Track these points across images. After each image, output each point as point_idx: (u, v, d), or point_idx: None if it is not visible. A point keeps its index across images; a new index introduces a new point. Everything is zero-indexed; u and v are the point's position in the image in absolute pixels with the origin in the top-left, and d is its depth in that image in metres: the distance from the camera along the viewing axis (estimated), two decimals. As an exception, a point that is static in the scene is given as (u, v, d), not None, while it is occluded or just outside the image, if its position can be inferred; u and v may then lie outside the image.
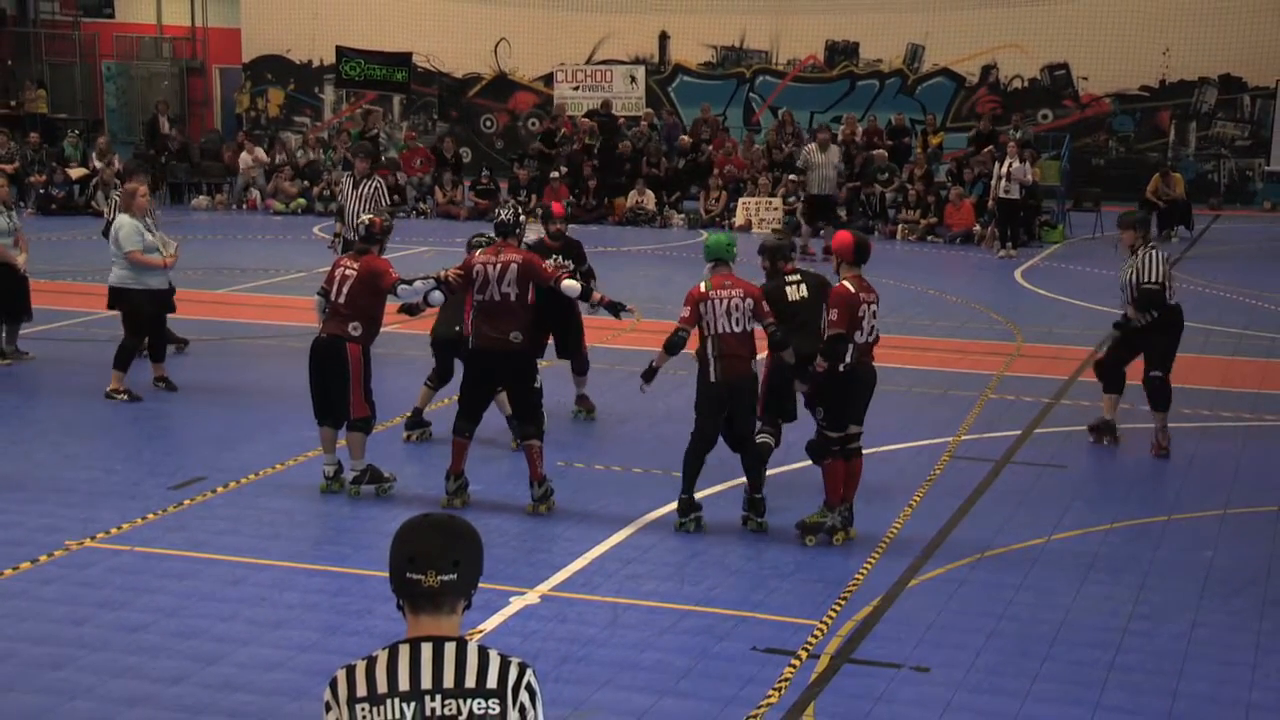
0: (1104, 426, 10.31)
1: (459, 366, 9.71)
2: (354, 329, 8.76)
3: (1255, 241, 23.15)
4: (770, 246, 8.84)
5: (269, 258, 18.98)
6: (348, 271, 8.87)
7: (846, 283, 8.02)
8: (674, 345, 8.14)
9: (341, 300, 8.82)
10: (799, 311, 8.45)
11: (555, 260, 9.73)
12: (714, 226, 23.05)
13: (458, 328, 9.76)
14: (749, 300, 8.04)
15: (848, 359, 8.01)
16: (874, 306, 8.11)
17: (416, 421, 10.27)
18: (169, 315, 11.89)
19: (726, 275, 8.14)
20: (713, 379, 8.07)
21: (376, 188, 13.50)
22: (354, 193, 13.34)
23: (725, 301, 8.02)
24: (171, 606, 7.04)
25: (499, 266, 8.45)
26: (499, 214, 8.84)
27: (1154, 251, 10.18)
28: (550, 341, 10.24)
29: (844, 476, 8.19)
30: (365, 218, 9.14)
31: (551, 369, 10.47)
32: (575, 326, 10.42)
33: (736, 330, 8.02)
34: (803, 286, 8.56)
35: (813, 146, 20.84)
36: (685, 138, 25.57)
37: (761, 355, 8.39)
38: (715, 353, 8.05)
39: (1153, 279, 9.98)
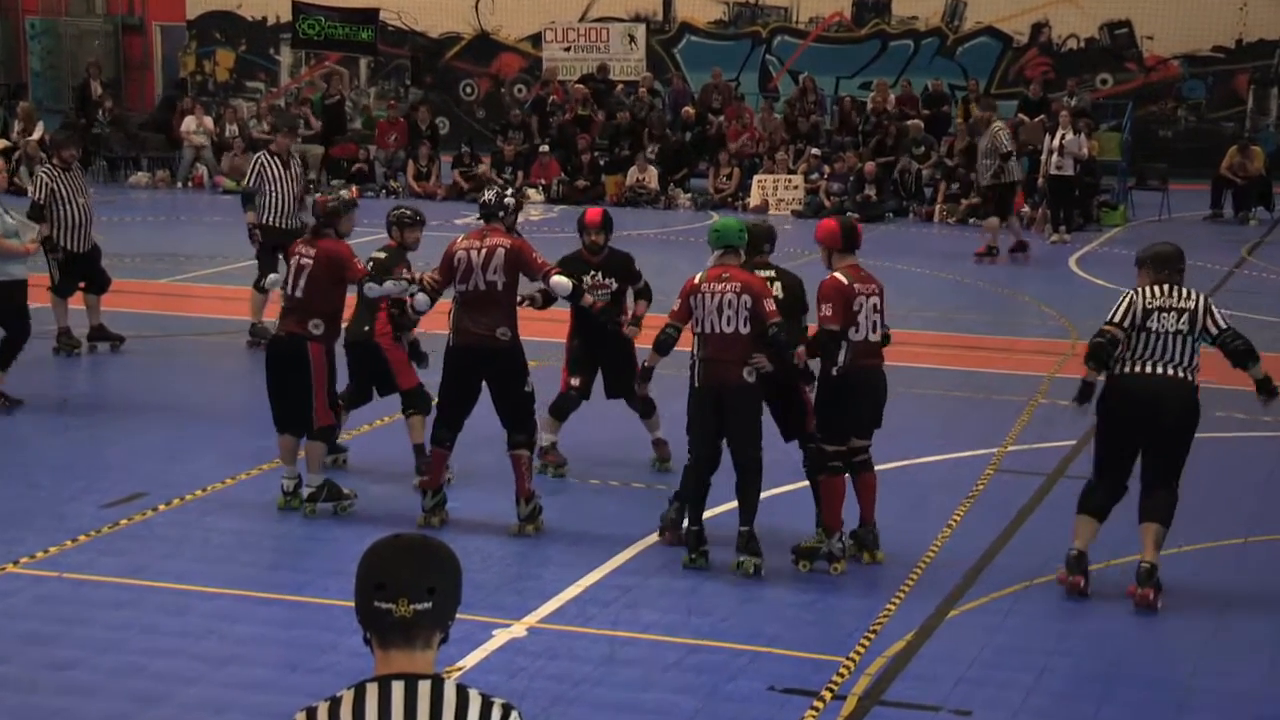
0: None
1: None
2: (315, 326, 8.72)
3: (1344, 224, 23.16)
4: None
5: (218, 243, 19.00)
6: (304, 260, 8.85)
7: (838, 274, 8.02)
8: (663, 344, 8.08)
9: (299, 293, 8.78)
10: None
11: (593, 277, 9.41)
12: (725, 209, 23.07)
13: (367, 328, 9.50)
14: (746, 297, 7.84)
15: (841, 360, 7.98)
16: (875, 300, 8.07)
17: (334, 446, 9.63)
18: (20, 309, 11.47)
19: (728, 266, 8.00)
20: (696, 384, 7.98)
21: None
22: (285, 173, 13.15)
23: (718, 296, 7.86)
24: (106, 641, 7.05)
25: (484, 252, 8.45)
26: (484, 194, 8.85)
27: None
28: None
29: (843, 495, 8.13)
30: (312, 197, 9.11)
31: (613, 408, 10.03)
32: (625, 359, 9.59)
33: (727, 330, 7.83)
34: (777, 286, 8.43)
35: (1001, 124, 19.48)
36: (689, 109, 25.60)
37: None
38: (701, 354, 7.95)
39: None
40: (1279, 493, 9.75)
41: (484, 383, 8.64)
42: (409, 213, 9.78)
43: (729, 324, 7.83)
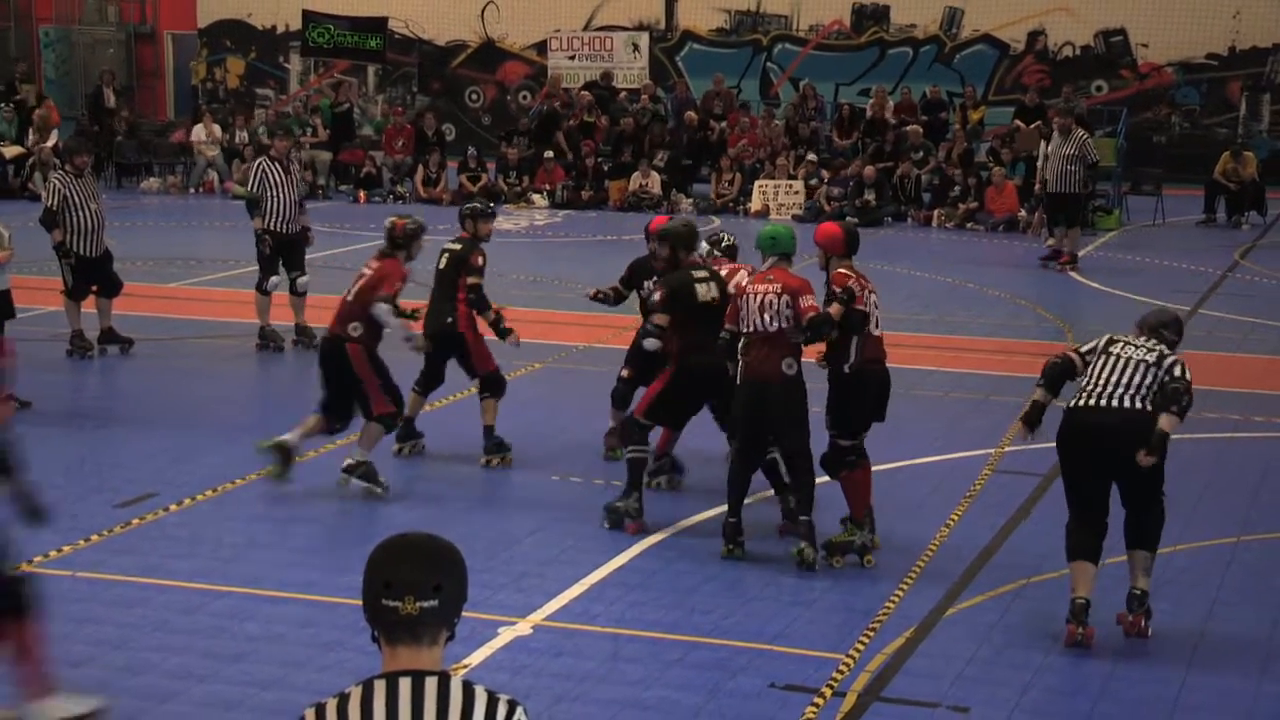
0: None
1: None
2: (353, 329, 9.29)
3: (1336, 229, 23.14)
4: (674, 232, 8.94)
5: (228, 247, 18.99)
6: (365, 271, 9.51)
7: (842, 272, 8.24)
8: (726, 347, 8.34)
9: (348, 298, 9.42)
10: (707, 315, 8.54)
11: (654, 282, 9.38)
12: (726, 214, 23.08)
13: (450, 319, 9.87)
14: (786, 297, 8.04)
15: (852, 357, 8.15)
16: (874, 297, 8.26)
17: (408, 433, 10.15)
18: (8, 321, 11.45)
19: (775, 270, 8.22)
20: (740, 381, 8.20)
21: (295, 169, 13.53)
22: (285, 178, 13.15)
23: (759, 297, 8.08)
24: (118, 638, 7.06)
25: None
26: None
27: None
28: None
29: (869, 486, 8.30)
30: (388, 220, 9.69)
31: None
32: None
33: (770, 329, 8.04)
34: (713, 286, 8.66)
35: (1084, 132, 18.96)
36: (691, 114, 25.60)
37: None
38: (745, 353, 8.15)
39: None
40: (1270, 493, 9.74)
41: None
42: (481, 206, 10.22)
43: (771, 322, 8.02)
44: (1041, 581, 8.01)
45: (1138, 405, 7.08)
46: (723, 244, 9.51)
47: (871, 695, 6.58)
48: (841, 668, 6.82)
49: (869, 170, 22.89)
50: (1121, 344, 7.30)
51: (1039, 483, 9.71)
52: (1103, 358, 7.28)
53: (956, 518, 9.02)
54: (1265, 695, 6.77)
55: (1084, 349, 7.46)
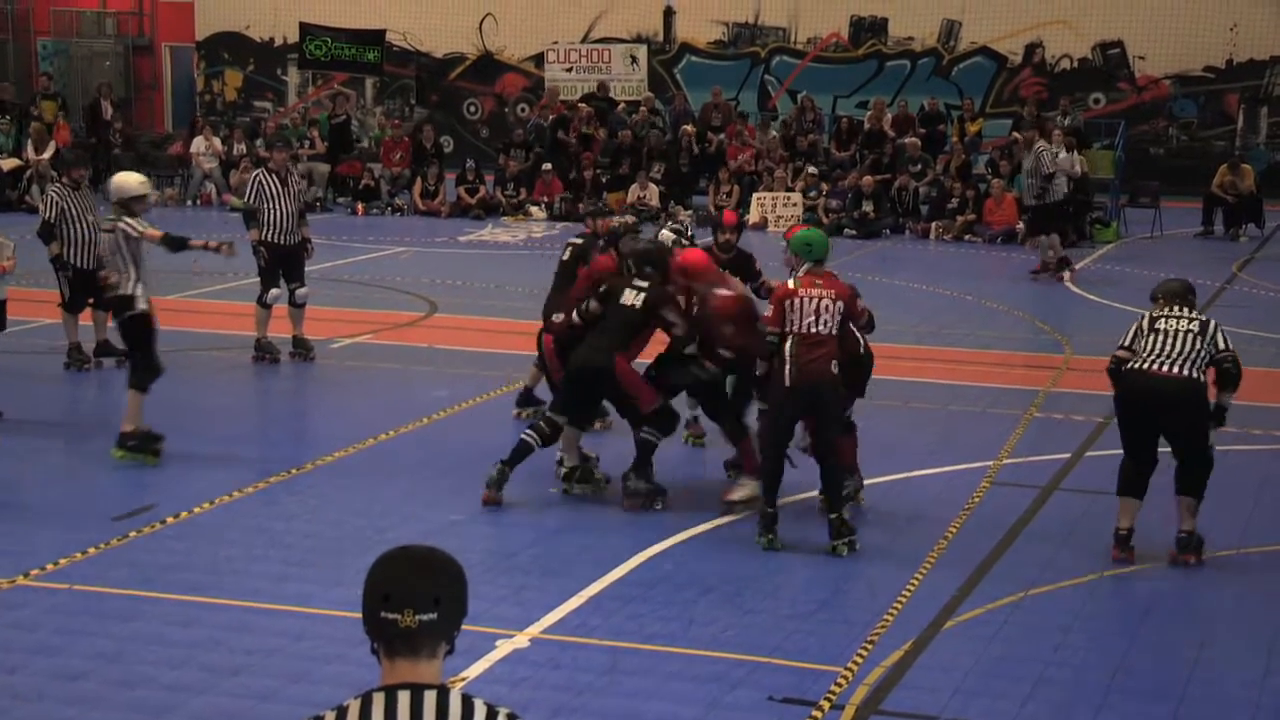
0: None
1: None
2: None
3: (1334, 241, 23.16)
4: (633, 253, 9.48)
5: (226, 260, 18.95)
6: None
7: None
8: (766, 351, 8.71)
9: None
10: (619, 316, 9.23)
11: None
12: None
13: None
14: (841, 302, 8.55)
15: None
16: (825, 301, 8.57)
17: (527, 399, 11.14)
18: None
19: (819, 274, 8.65)
20: (789, 383, 8.46)
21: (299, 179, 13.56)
22: (283, 190, 13.14)
23: (814, 301, 8.51)
24: (115, 651, 7.04)
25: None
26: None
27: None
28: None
29: (854, 445, 9.22)
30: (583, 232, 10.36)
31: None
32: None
33: (822, 332, 8.48)
34: (640, 296, 9.27)
35: (1045, 145, 19.24)
36: (689, 127, 25.63)
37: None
38: (795, 355, 8.46)
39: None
40: (1272, 503, 9.74)
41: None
42: (601, 205, 11.13)
43: (825, 326, 8.48)
44: (1040, 594, 8.00)
45: (1191, 374, 8.22)
46: (687, 233, 10.09)
47: (870, 708, 6.57)
48: (840, 680, 6.82)
49: (867, 180, 22.94)
50: (1163, 319, 8.41)
51: (1037, 495, 9.71)
52: (1152, 335, 8.39)
53: (955, 530, 9.02)
54: (1266, 707, 6.76)
55: (1127, 340, 8.50)
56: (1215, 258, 20.87)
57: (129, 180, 10.77)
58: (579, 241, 10.67)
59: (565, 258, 10.68)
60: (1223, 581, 8.33)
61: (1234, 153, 25.50)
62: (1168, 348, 8.28)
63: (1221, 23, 27.14)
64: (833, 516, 8.57)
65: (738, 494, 9.27)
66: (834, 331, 8.52)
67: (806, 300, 8.50)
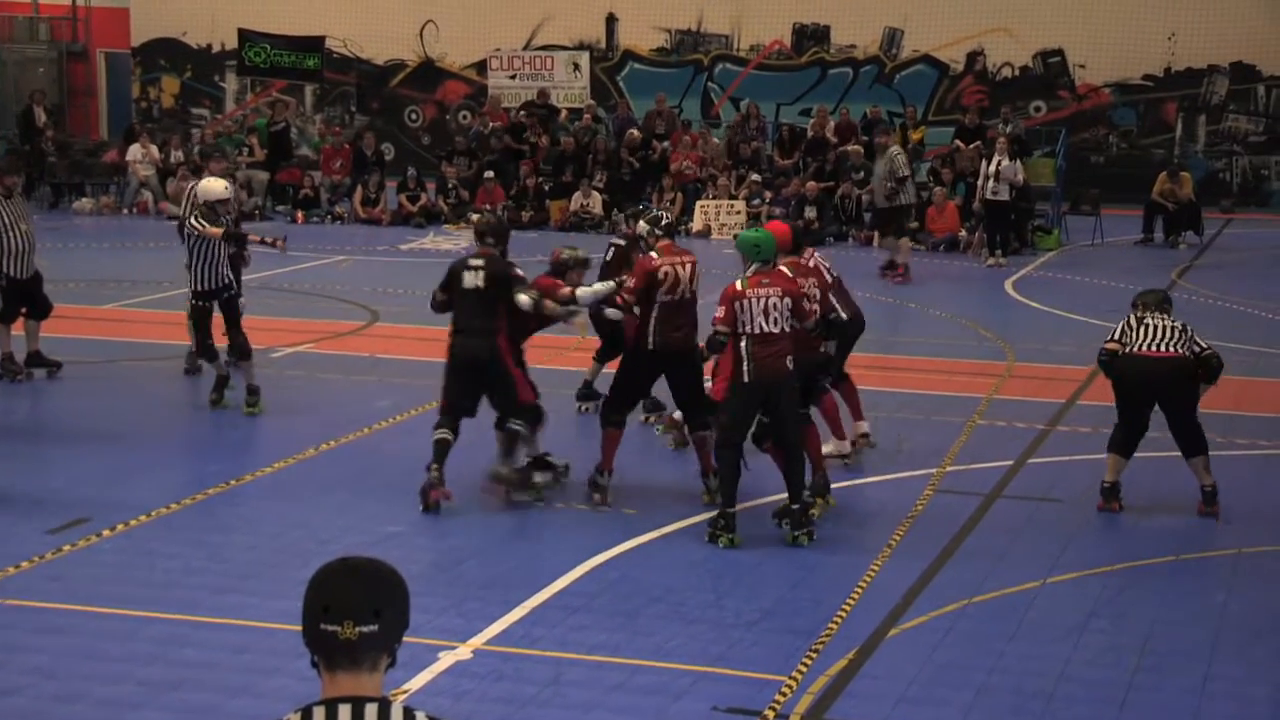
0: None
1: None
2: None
3: (1271, 248, 23.49)
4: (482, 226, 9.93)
5: (162, 268, 18.84)
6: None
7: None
8: (715, 346, 8.98)
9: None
10: (467, 299, 9.48)
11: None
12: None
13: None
14: (788, 300, 8.86)
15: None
16: (773, 300, 8.86)
17: (587, 393, 11.77)
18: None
19: (766, 274, 8.92)
20: (748, 379, 8.75)
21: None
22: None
23: (763, 300, 8.81)
24: (50, 667, 6.97)
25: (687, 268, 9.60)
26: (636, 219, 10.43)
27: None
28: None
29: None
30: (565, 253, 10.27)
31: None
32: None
33: (773, 330, 8.78)
34: (480, 276, 9.51)
35: (899, 149, 20.41)
36: (634, 132, 25.66)
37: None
38: (751, 353, 8.77)
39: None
40: (1246, 511, 9.85)
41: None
42: (641, 208, 11.73)
43: (775, 324, 8.80)
44: (984, 601, 8.06)
45: (1175, 351, 9.40)
46: (662, 222, 9.92)
47: (815, 717, 6.60)
48: (785, 690, 6.84)
49: (811, 185, 23.07)
50: (1149, 316, 9.58)
51: (980, 502, 9.79)
52: (1141, 327, 9.55)
53: (899, 538, 9.08)
54: (1205, 714, 6.84)
55: (1116, 335, 9.59)
56: (1155, 265, 21.11)
57: (215, 185, 11.78)
58: (621, 243, 11.34)
59: (608, 258, 11.30)
60: (1164, 588, 8.43)
61: (1173, 161, 25.82)
62: (1157, 336, 9.46)
63: (1160, 31, 27.46)
64: (794, 507, 8.87)
65: (826, 447, 10.05)
66: (786, 329, 8.81)
67: (755, 301, 8.79)
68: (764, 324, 8.76)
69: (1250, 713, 6.85)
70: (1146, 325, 9.54)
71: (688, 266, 9.52)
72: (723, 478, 8.93)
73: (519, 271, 9.67)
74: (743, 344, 8.78)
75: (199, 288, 11.80)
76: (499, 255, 9.70)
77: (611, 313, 9.86)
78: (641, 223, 10.04)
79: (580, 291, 9.73)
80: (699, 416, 9.61)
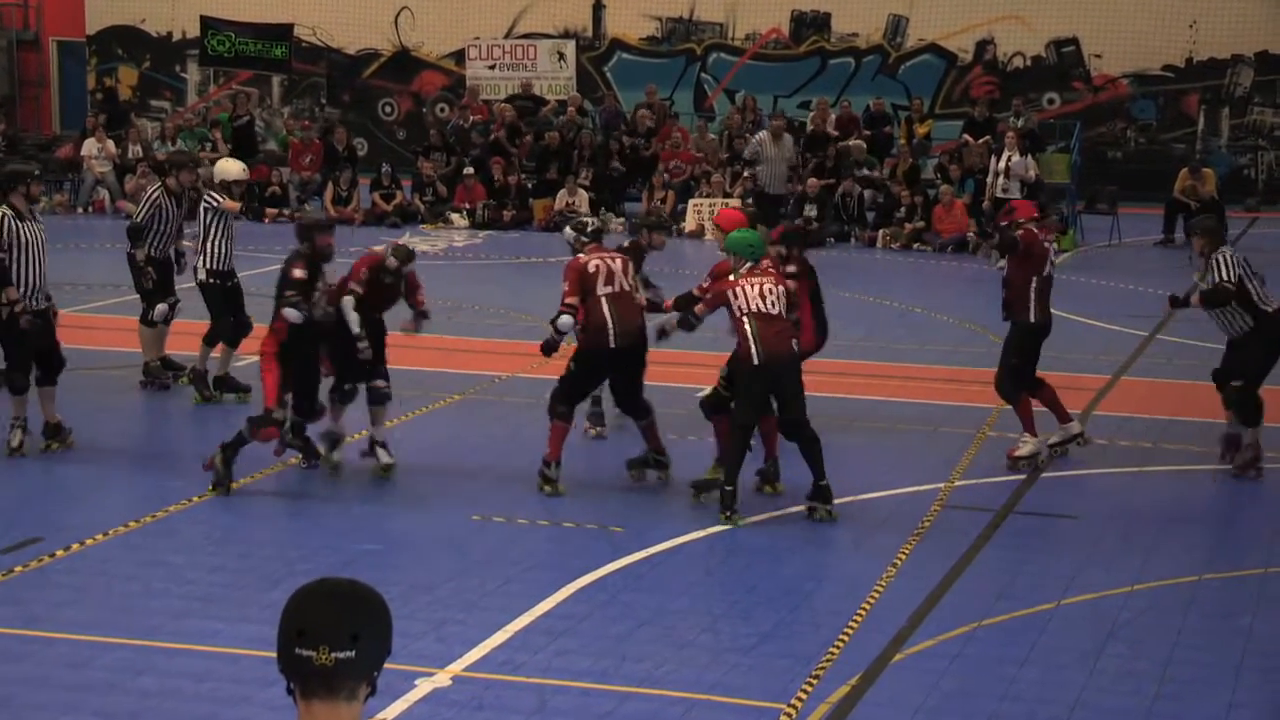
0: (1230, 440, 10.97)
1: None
2: None
3: (1299, 249, 23.55)
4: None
5: (120, 271, 18.77)
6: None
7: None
8: (690, 326, 10.14)
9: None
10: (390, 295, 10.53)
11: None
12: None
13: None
14: (781, 287, 9.66)
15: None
16: (768, 285, 9.69)
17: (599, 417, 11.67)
18: None
19: (760, 269, 9.74)
20: (757, 362, 9.46)
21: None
22: (178, 213, 12.81)
23: (757, 285, 9.58)
24: (1, 695, 6.97)
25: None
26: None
27: (1225, 253, 10.91)
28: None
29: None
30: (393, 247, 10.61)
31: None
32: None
33: (773, 311, 9.53)
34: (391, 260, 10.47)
35: (764, 135, 21.17)
36: (624, 128, 25.71)
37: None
38: (758, 336, 9.48)
39: (1224, 278, 10.74)
40: (1234, 529, 9.89)
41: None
42: (654, 218, 12.17)
43: (773, 306, 9.55)
44: (994, 624, 8.09)
45: None
46: (589, 229, 10.63)
47: (815, 747, 6.62)
48: (783, 718, 6.86)
49: (812, 182, 23.11)
50: (1243, 257, 10.80)
51: (991, 519, 9.81)
52: (1255, 279, 10.72)
53: (904, 557, 9.10)
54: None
55: (1230, 276, 10.59)
56: (1176, 267, 21.09)
57: (232, 166, 12.73)
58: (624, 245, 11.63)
59: None
60: (1185, 611, 8.46)
61: (1195, 156, 25.88)
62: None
63: (1181, 19, 27.54)
64: (822, 484, 9.54)
65: (1022, 450, 10.79)
66: (784, 313, 9.59)
67: (750, 286, 9.61)
68: (761, 305, 9.53)
69: (1277, 742, 6.88)
70: (1257, 275, 10.71)
71: (618, 260, 10.29)
72: (731, 458, 9.56)
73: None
74: (746, 325, 9.52)
75: (212, 266, 12.36)
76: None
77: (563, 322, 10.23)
78: (568, 229, 10.72)
79: (561, 321, 10.15)
80: (639, 411, 10.28)
